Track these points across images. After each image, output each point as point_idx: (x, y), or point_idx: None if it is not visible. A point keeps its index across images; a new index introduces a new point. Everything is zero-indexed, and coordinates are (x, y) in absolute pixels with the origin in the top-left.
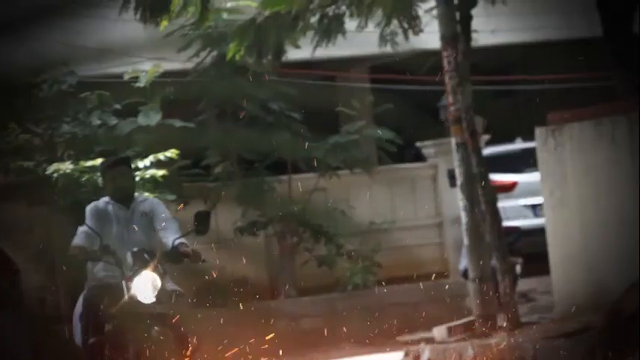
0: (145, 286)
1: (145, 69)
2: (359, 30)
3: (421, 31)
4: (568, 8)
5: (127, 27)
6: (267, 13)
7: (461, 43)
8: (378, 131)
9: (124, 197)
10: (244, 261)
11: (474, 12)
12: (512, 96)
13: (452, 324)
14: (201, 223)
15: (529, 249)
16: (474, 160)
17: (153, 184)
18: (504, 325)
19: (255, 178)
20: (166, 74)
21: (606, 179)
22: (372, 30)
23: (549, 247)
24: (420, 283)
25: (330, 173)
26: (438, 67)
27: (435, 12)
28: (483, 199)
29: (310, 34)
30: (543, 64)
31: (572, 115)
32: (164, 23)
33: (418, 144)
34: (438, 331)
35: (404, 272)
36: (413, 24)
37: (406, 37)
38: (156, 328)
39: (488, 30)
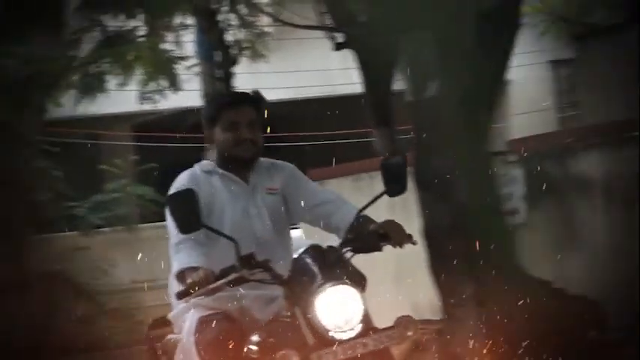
0: (341, 310)
1: None
2: (120, 88)
3: (180, 89)
4: (329, 66)
5: None
6: (29, 71)
7: None
8: (141, 189)
9: (245, 162)
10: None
11: (236, 70)
12: (275, 152)
13: None
14: (393, 179)
15: None
16: None
17: None
18: None
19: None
20: None
21: None
22: (134, 88)
23: None
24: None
25: (93, 231)
26: (200, 124)
27: (196, 70)
28: None
29: (73, 91)
30: (306, 121)
31: (332, 171)
32: None
33: None
34: None
35: None
36: (173, 82)
37: (165, 96)
38: None
39: (250, 88)
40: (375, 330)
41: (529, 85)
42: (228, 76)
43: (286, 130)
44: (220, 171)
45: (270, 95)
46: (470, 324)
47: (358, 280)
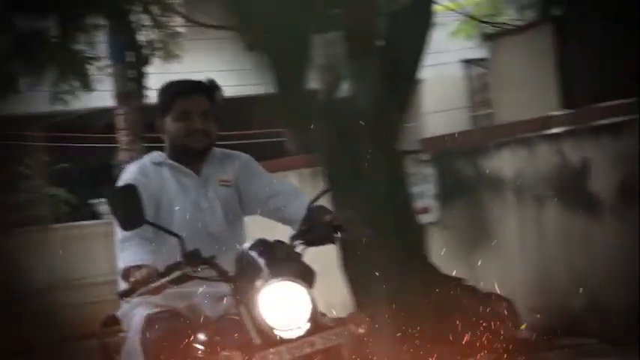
0: (287, 307)
1: None
2: (33, 88)
3: (93, 90)
4: (243, 66)
5: None
6: None
7: (135, 100)
8: (53, 190)
9: (196, 153)
10: None
11: (149, 70)
12: None
13: None
14: None
15: None
16: None
17: None
18: None
19: None
20: None
21: None
22: (46, 88)
23: None
24: (97, 341)
25: (5, 232)
26: (113, 124)
27: (108, 70)
28: None
29: None
30: (222, 120)
31: None
32: None
33: (93, 201)
34: None
35: (80, 330)
36: (86, 82)
37: (77, 95)
38: None
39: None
40: (325, 328)
41: (441, 84)
42: (140, 77)
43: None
44: (170, 162)
45: None
46: (382, 322)
47: (306, 276)
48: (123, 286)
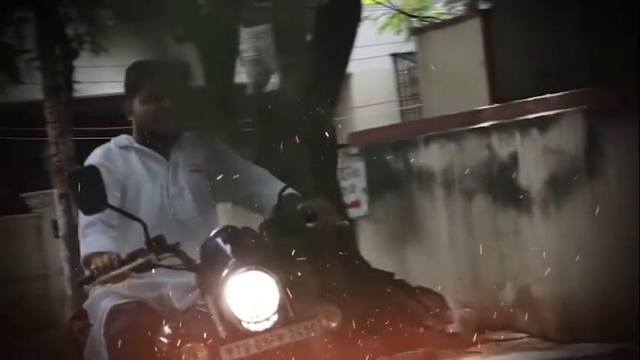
0: (255, 298)
1: None
2: None
3: (20, 83)
4: (172, 60)
5: None
6: None
7: (63, 94)
8: None
9: (165, 135)
10: None
11: (77, 63)
12: None
13: None
14: None
15: None
16: (76, 211)
17: None
18: None
19: None
20: None
21: None
22: None
23: None
24: (26, 336)
25: None
26: (41, 117)
27: (36, 63)
28: None
29: None
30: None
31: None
32: None
33: (23, 195)
34: None
35: (9, 325)
36: (13, 75)
37: (4, 88)
38: None
39: (92, 81)
40: (295, 320)
41: (370, 78)
42: (69, 70)
43: (130, 124)
44: (137, 146)
45: (111, 89)
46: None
47: (276, 266)
48: (85, 273)
